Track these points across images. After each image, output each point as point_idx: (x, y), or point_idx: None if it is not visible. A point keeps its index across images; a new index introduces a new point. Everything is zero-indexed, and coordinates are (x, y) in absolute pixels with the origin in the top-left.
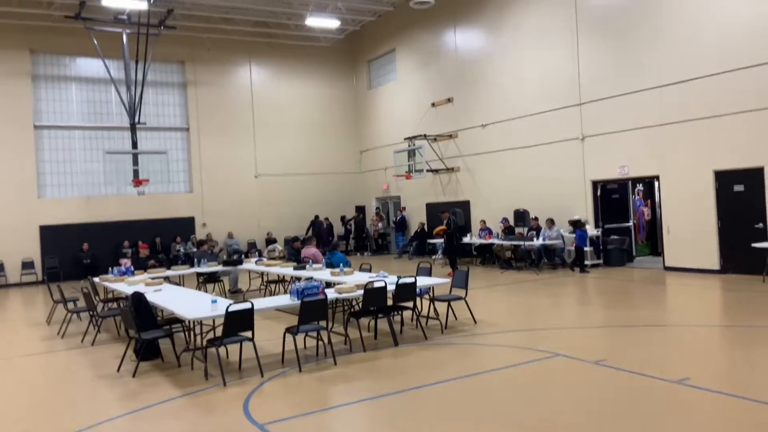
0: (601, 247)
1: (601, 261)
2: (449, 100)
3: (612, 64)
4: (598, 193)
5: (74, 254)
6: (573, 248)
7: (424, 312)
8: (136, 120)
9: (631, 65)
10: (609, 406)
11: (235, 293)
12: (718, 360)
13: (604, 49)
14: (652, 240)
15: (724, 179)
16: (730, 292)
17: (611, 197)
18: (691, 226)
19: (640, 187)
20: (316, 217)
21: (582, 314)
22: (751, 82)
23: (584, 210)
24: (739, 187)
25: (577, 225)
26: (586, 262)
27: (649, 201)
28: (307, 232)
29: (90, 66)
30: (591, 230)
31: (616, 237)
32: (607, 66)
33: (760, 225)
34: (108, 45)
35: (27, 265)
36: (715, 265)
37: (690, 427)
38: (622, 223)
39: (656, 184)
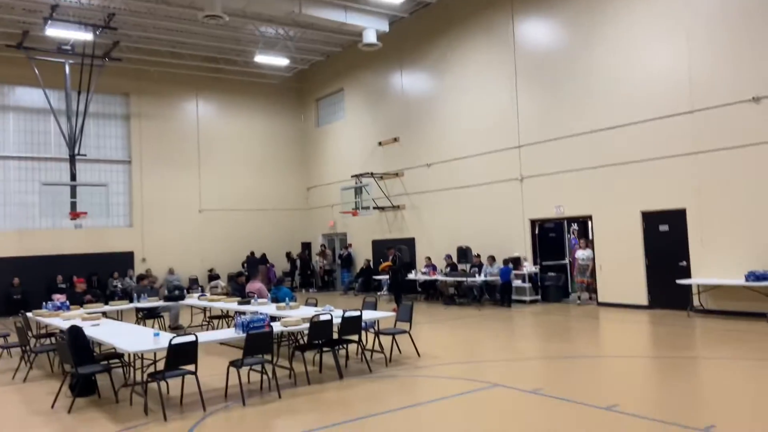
0: (539, 283)
1: (539, 297)
2: (396, 140)
3: (548, 108)
4: (536, 231)
5: (4, 289)
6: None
7: (369, 345)
8: (76, 151)
9: (565, 110)
10: (544, 430)
11: (176, 329)
12: (645, 388)
13: (541, 94)
14: None
15: (650, 219)
16: (657, 326)
17: (548, 235)
18: (621, 263)
19: (575, 226)
20: (252, 253)
21: (520, 347)
22: (675, 130)
23: (523, 247)
24: (664, 227)
25: (505, 262)
26: (525, 298)
27: (583, 240)
28: (245, 268)
29: (29, 95)
30: (529, 267)
31: (552, 274)
32: (543, 110)
33: (684, 263)
34: (49, 75)
35: None
36: (644, 300)
37: None
38: (558, 261)
39: (590, 223)
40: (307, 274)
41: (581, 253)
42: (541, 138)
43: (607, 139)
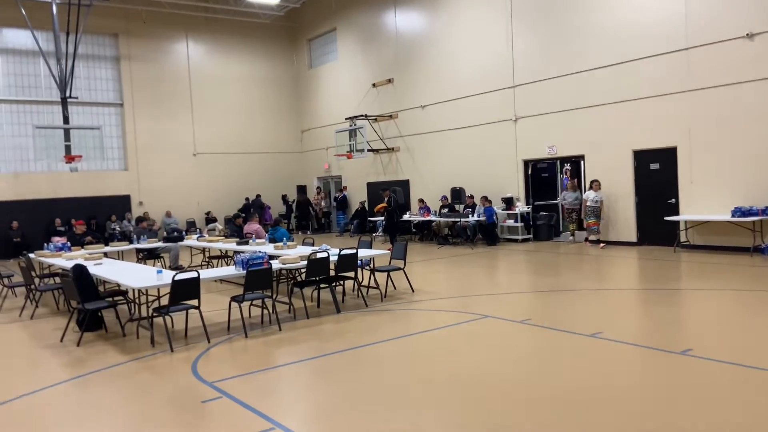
0: (531, 222)
1: (531, 236)
2: (390, 81)
3: (543, 48)
4: (529, 171)
5: (3, 232)
6: (504, 224)
7: (365, 282)
8: (68, 94)
9: (560, 50)
10: (532, 356)
11: (176, 269)
12: (628, 317)
13: (536, 34)
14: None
15: (642, 158)
16: (644, 261)
17: (541, 176)
18: (611, 202)
19: (567, 166)
20: (258, 196)
21: (511, 282)
22: (666, 69)
23: (516, 188)
24: (654, 165)
25: (489, 203)
26: (517, 237)
27: (576, 179)
28: (246, 210)
29: (17, 37)
30: (521, 207)
31: (544, 213)
32: (538, 50)
33: (672, 200)
34: (37, 15)
35: None
36: (633, 237)
37: (601, 371)
38: (550, 201)
39: (582, 163)
40: (309, 215)
41: (569, 195)
42: (535, 78)
43: (601, 78)
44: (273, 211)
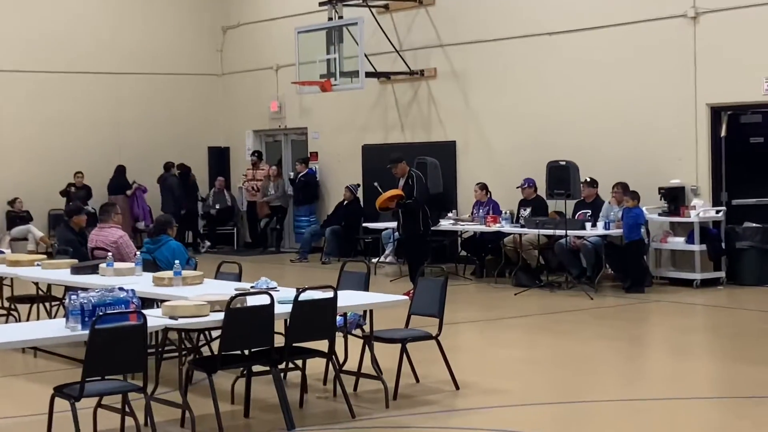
0: (724, 245)
1: (722, 273)
2: None
3: None
4: (722, 133)
5: None
6: (664, 244)
7: (352, 364)
8: None
9: None
10: None
11: None
12: None
13: None
14: None
15: None
16: None
17: (748, 143)
18: None
19: None
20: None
21: (675, 374)
22: None
23: (693, 168)
24: None
25: (633, 196)
26: (693, 276)
27: None
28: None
29: None
30: (704, 209)
31: (753, 225)
32: None
33: None
34: None
35: None
36: None
37: None
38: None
39: None
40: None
41: None
42: None
43: None
44: (152, 199)
